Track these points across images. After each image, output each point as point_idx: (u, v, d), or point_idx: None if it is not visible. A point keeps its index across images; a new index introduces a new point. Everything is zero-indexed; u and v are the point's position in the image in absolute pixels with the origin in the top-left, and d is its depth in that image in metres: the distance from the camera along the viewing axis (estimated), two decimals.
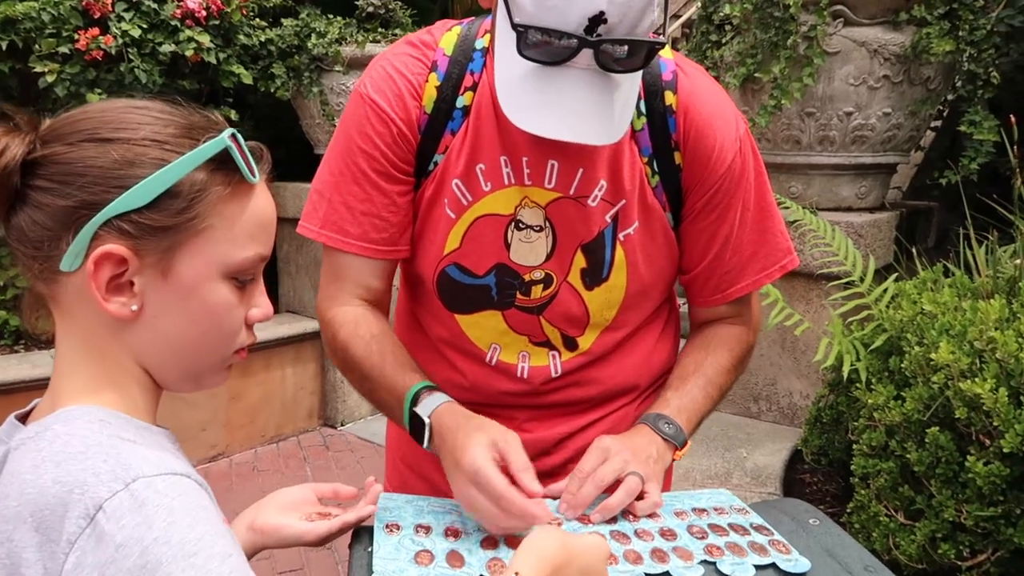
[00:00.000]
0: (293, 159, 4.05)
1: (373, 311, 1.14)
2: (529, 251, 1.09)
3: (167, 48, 3.39)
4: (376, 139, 1.05)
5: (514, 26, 0.86)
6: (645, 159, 1.07)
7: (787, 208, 2.65)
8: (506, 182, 1.06)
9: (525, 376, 1.15)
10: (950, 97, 3.12)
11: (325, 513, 0.93)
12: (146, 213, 0.64)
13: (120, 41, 3.26)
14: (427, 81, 1.06)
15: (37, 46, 3.17)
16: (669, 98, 1.05)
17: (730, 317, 1.20)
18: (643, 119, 1.06)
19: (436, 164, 1.08)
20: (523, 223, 1.08)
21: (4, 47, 3.10)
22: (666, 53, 1.07)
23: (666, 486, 1.31)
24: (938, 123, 3.44)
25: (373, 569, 0.86)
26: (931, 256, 2.82)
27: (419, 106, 1.06)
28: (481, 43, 1.07)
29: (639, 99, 1.04)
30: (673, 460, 1.08)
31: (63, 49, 3.20)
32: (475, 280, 1.11)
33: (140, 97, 0.71)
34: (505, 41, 0.90)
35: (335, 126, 4.50)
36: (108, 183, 0.64)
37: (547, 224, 1.08)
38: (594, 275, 1.10)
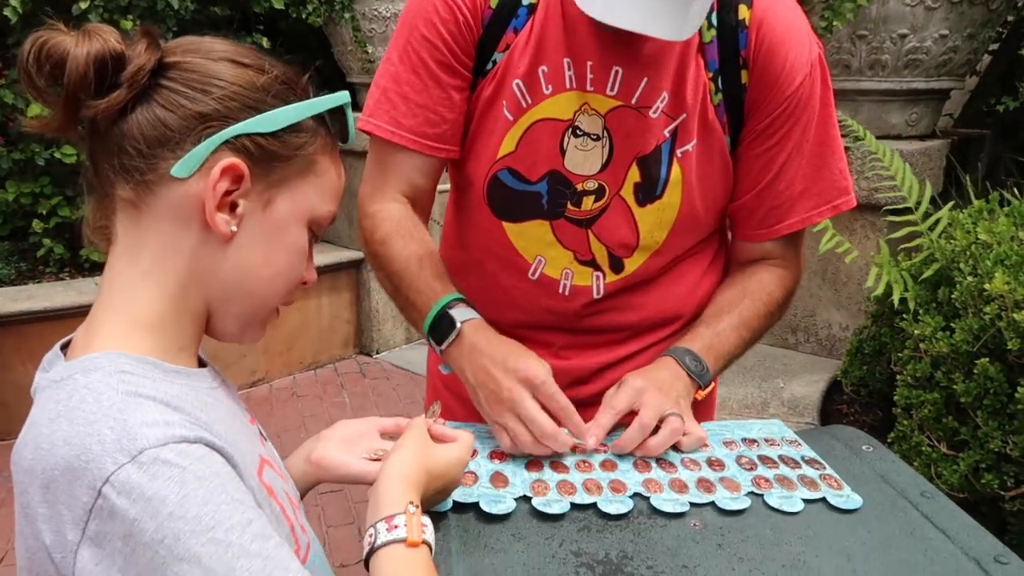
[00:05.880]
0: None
1: (415, 213, 1.14)
2: (584, 159, 1.06)
3: None
4: (440, 27, 1.03)
5: None
6: (710, 74, 1.03)
7: (851, 131, 2.55)
8: (568, 86, 1.03)
9: (567, 293, 1.13)
10: (1010, 19, 2.96)
11: (385, 452, 0.92)
12: (270, 139, 0.68)
13: None
14: None
15: None
16: (743, 12, 1.01)
17: (774, 258, 1.16)
18: (712, 31, 1.02)
19: (495, 63, 1.05)
20: (581, 130, 1.05)
21: None
22: None
23: (709, 417, 1.30)
24: (995, 46, 3.28)
25: None
26: (982, 185, 2.73)
27: None
28: None
29: (711, 11, 1.01)
30: (695, 399, 1.05)
31: None
32: (527, 186, 1.09)
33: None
34: None
35: (367, 53, 4.41)
36: (243, 102, 0.67)
37: (605, 134, 1.05)
38: (648, 191, 1.07)
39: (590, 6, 0.90)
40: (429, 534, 0.70)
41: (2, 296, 3.18)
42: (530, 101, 1.04)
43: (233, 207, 0.67)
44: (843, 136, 2.54)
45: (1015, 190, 2.34)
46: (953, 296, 1.87)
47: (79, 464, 0.56)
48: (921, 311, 2.01)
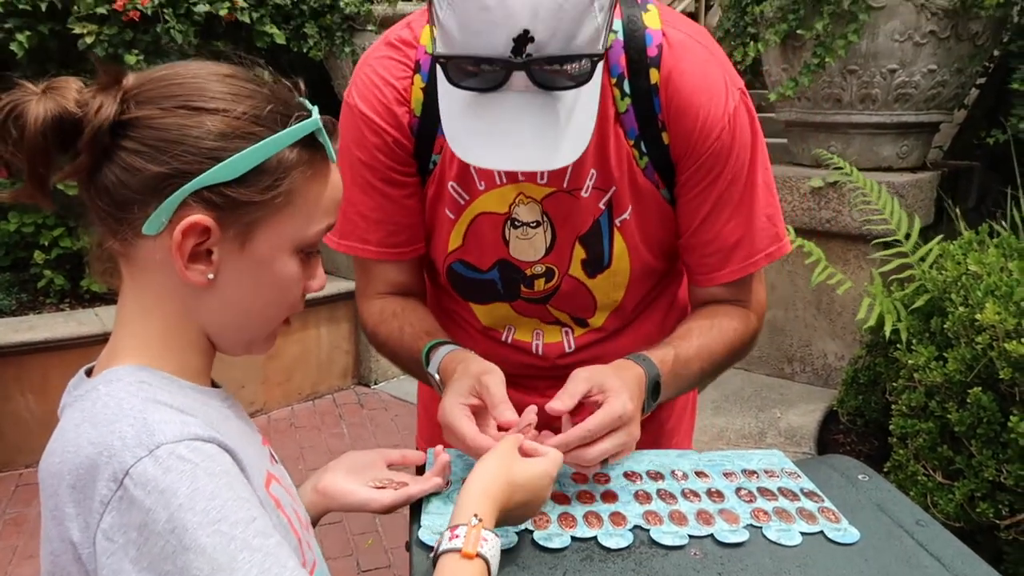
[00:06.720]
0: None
1: (406, 299, 1.18)
2: (528, 247, 1.09)
3: (202, 8, 3.39)
4: (372, 149, 1.06)
5: (435, 58, 0.83)
6: (631, 141, 1.03)
7: (836, 167, 2.61)
8: (498, 181, 1.05)
9: (540, 353, 1.18)
10: (996, 53, 3.03)
11: (391, 481, 0.94)
12: (235, 187, 0.66)
13: (156, 1, 3.27)
14: (412, 83, 1.04)
15: (76, 7, 3.19)
16: (654, 76, 1.00)
17: (729, 300, 1.15)
18: (627, 100, 1.02)
19: (435, 163, 1.08)
20: (519, 221, 1.07)
21: (44, 8, 3.13)
22: (653, 23, 1.01)
23: (687, 445, 1.32)
24: (982, 80, 3.35)
25: (420, 524, 0.88)
26: (971, 217, 2.77)
27: (408, 111, 1.04)
28: None
29: (623, 79, 1.01)
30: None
31: (101, 10, 3.21)
32: (480, 275, 1.13)
33: (222, 61, 0.71)
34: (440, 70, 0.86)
35: None
36: (202, 154, 0.65)
37: (544, 219, 1.07)
38: (595, 265, 1.10)
39: (465, 154, 0.89)
40: (488, 548, 0.70)
41: (3, 327, 3.19)
42: (467, 198, 1.07)
43: (209, 252, 0.68)
44: (835, 170, 2.57)
45: (1003, 222, 2.38)
46: (945, 326, 1.90)
47: (102, 460, 0.59)
48: (914, 341, 2.04)
